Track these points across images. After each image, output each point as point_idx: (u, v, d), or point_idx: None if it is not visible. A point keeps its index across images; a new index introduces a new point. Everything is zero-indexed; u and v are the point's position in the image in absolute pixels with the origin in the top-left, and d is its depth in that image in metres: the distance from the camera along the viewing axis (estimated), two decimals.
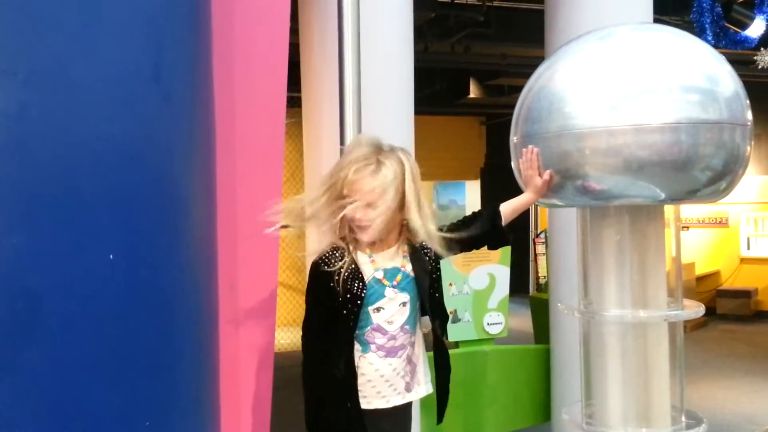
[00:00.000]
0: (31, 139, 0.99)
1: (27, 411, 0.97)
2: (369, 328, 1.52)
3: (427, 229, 1.51)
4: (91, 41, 1.04)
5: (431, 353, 1.66)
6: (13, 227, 0.97)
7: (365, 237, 1.51)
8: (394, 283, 1.54)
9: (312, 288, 1.54)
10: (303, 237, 1.73)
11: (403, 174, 1.49)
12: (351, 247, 1.53)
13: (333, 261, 1.50)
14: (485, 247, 1.76)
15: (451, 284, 3.20)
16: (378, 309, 1.52)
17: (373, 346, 1.52)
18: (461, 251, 1.71)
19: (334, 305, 1.49)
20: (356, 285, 1.49)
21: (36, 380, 0.97)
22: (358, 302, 1.49)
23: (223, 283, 1.45)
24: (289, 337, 5.81)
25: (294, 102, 3.40)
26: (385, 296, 1.53)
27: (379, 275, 1.52)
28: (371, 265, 1.53)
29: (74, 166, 1.02)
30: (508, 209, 1.72)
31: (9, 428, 0.96)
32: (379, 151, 1.50)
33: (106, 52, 1.06)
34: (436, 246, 1.55)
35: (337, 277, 1.48)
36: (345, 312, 1.49)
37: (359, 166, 1.47)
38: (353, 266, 1.50)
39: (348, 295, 1.49)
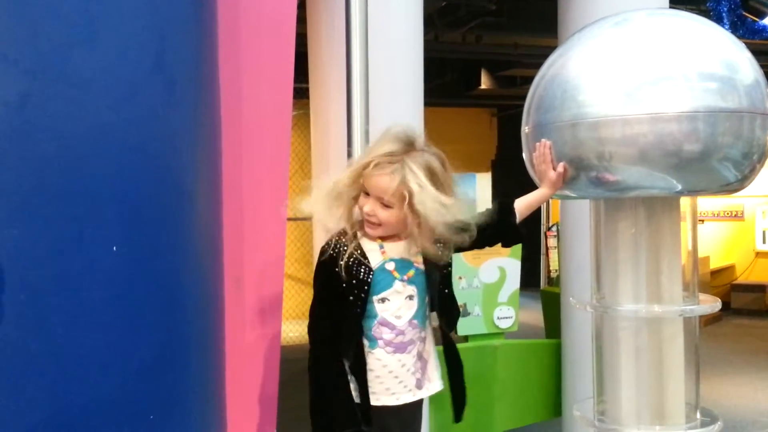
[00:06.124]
0: (32, 129, 0.97)
1: (29, 405, 0.96)
2: (376, 322, 1.49)
3: (443, 231, 1.44)
4: (92, 29, 1.02)
5: (440, 347, 1.64)
6: (13, 219, 0.96)
7: (372, 232, 1.48)
8: (405, 277, 1.50)
9: (319, 273, 1.52)
10: (310, 230, 1.70)
11: (427, 180, 1.42)
12: (360, 233, 1.50)
13: (338, 246, 1.48)
14: (499, 245, 1.72)
15: (460, 278, 3.18)
16: (383, 300, 1.49)
17: (380, 342, 1.49)
18: (472, 249, 1.65)
19: (339, 290, 1.46)
20: (362, 270, 1.46)
21: (38, 374, 0.96)
22: (365, 288, 1.46)
23: (229, 277, 1.43)
24: (296, 330, 5.82)
25: (301, 93, 3.37)
26: (392, 287, 1.50)
27: (390, 266, 1.49)
28: (381, 255, 1.50)
29: (76, 157, 1.00)
30: (522, 205, 1.68)
31: (12, 423, 0.95)
32: (408, 150, 1.44)
33: (107, 41, 1.04)
34: (451, 241, 1.50)
35: (341, 262, 1.45)
36: (351, 298, 1.46)
37: (382, 162, 1.42)
38: (359, 251, 1.47)
39: (354, 281, 1.46)
